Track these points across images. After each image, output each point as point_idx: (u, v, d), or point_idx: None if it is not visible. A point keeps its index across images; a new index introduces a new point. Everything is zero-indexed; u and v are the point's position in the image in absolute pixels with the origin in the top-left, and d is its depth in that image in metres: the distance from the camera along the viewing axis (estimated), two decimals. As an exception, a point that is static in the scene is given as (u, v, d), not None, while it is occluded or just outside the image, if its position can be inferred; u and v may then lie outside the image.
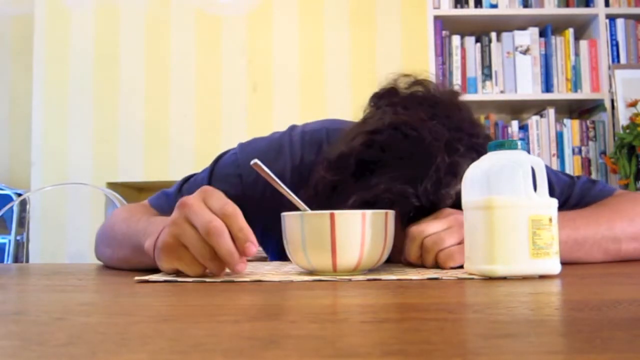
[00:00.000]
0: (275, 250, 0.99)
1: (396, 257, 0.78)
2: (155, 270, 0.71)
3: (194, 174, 0.99)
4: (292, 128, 1.00)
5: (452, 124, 0.80)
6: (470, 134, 0.80)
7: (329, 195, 0.78)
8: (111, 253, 0.88)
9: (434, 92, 0.86)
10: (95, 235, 0.97)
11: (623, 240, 0.81)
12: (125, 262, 0.84)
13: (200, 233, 0.62)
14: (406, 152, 0.76)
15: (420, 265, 0.75)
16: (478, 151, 0.79)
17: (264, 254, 1.06)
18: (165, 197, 0.97)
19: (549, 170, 0.91)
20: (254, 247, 0.63)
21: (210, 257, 0.63)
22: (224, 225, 0.62)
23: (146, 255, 0.73)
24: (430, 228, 0.73)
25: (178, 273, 0.67)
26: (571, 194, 0.94)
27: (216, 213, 0.63)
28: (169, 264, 0.66)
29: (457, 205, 0.76)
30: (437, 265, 0.72)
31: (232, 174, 0.95)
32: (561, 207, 0.83)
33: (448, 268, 0.70)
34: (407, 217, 0.74)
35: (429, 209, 0.76)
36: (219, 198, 0.65)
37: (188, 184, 0.97)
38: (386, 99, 0.86)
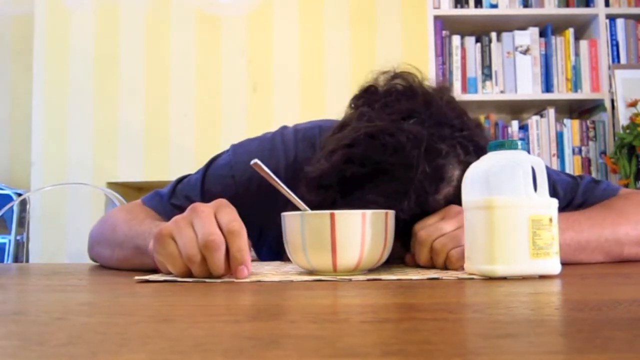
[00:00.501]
0: (271, 250, 0.99)
1: (394, 261, 0.78)
2: (155, 270, 0.71)
3: (188, 175, 0.99)
4: (284, 127, 1.00)
5: (433, 117, 0.77)
6: (453, 125, 0.78)
7: None
8: (110, 253, 0.88)
9: (414, 84, 0.83)
10: (89, 235, 0.96)
11: (626, 244, 0.81)
12: (125, 262, 0.84)
13: (199, 241, 0.62)
14: (386, 164, 0.73)
15: (425, 266, 0.74)
16: (464, 146, 0.77)
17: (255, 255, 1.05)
18: (159, 198, 0.97)
19: (552, 172, 0.90)
20: (247, 271, 0.63)
21: (194, 262, 0.63)
22: (223, 242, 0.62)
23: (148, 256, 0.73)
24: (439, 230, 0.72)
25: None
26: (575, 195, 0.93)
27: (222, 226, 0.63)
28: (157, 254, 0.66)
29: (453, 201, 0.75)
30: (446, 266, 0.71)
31: (225, 175, 0.95)
32: (565, 209, 0.83)
33: (459, 266, 0.69)
34: (399, 227, 0.72)
35: (419, 216, 0.75)
36: (229, 213, 0.65)
37: (182, 185, 0.97)
38: (364, 98, 0.84)
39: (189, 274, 0.65)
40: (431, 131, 0.75)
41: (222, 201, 0.68)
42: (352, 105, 0.86)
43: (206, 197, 0.92)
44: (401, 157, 0.73)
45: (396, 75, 0.84)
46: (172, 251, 0.64)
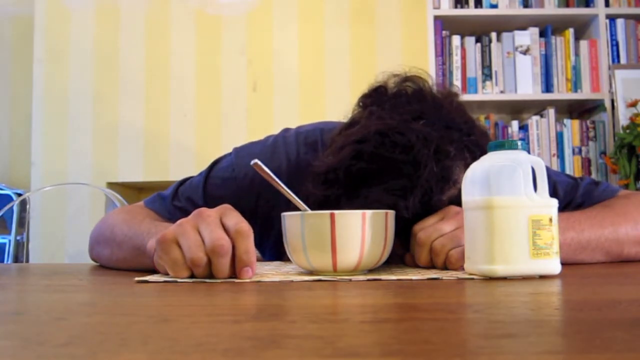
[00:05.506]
0: (272, 252, 0.99)
1: (394, 260, 0.78)
2: (154, 270, 0.71)
3: (190, 177, 0.99)
4: (286, 130, 1.01)
5: (442, 120, 0.78)
6: (461, 129, 0.78)
7: (319, 209, 0.76)
8: (110, 254, 0.88)
9: (424, 87, 0.83)
10: (90, 236, 0.96)
11: (626, 244, 0.81)
12: (124, 262, 0.84)
13: (206, 245, 0.62)
14: (395, 162, 0.73)
15: (425, 266, 0.74)
16: (471, 150, 0.78)
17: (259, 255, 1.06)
18: (161, 200, 0.97)
19: (552, 172, 0.91)
20: (251, 272, 0.63)
21: (198, 265, 0.63)
22: (230, 247, 0.62)
23: (147, 256, 0.73)
24: (438, 231, 0.72)
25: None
26: (575, 196, 0.93)
27: (229, 228, 0.63)
28: (159, 258, 0.66)
29: (456, 203, 0.75)
30: (446, 267, 0.71)
31: (227, 178, 0.95)
32: (564, 209, 0.83)
33: (459, 266, 0.69)
34: (399, 226, 0.72)
35: (421, 216, 0.75)
36: (236, 216, 0.65)
37: (184, 187, 0.97)
38: (374, 97, 0.84)
39: (190, 275, 0.65)
40: (440, 133, 0.75)
41: (227, 206, 0.67)
42: (361, 104, 0.86)
43: (208, 199, 0.93)
44: (410, 155, 0.73)
45: (407, 79, 0.85)
46: (175, 257, 0.64)
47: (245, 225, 0.64)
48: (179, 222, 0.66)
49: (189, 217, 0.66)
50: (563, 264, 0.64)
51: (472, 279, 0.63)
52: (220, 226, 0.64)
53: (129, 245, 0.82)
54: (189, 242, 0.63)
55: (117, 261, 0.85)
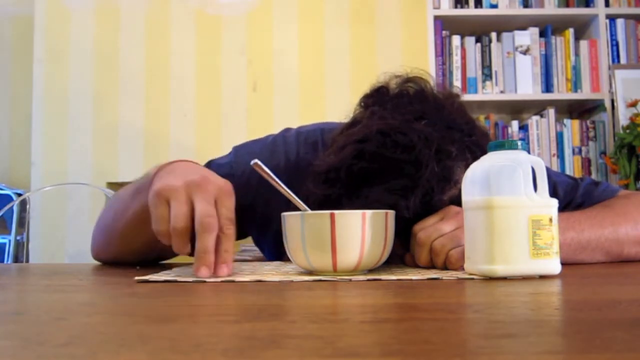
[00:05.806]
0: (272, 250, 0.99)
1: (394, 260, 0.78)
2: (155, 270, 0.71)
3: None
4: (287, 130, 1.01)
5: (444, 121, 0.78)
6: (462, 130, 0.79)
7: (319, 208, 0.74)
8: (112, 220, 0.88)
9: (426, 88, 0.84)
10: (92, 235, 0.96)
11: (626, 244, 0.81)
12: (125, 211, 0.83)
13: (196, 218, 0.64)
14: (396, 162, 0.73)
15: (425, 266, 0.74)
16: (472, 150, 0.78)
17: (261, 254, 1.06)
18: None
19: (552, 173, 0.91)
20: (227, 270, 0.65)
21: (179, 234, 0.64)
22: (217, 226, 0.64)
23: (145, 192, 0.73)
24: (438, 231, 0.72)
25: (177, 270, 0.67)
26: (575, 196, 0.94)
27: (219, 222, 0.65)
28: (150, 206, 0.68)
29: (457, 203, 0.75)
30: (446, 267, 0.71)
31: (225, 175, 0.95)
32: (564, 209, 0.84)
33: (459, 266, 0.69)
34: (400, 226, 0.72)
35: (421, 216, 0.75)
36: (228, 213, 0.66)
37: None
38: (375, 98, 0.85)
39: (169, 236, 0.66)
40: (442, 133, 0.76)
41: (226, 189, 0.68)
42: (362, 104, 0.86)
43: None
44: (412, 155, 0.73)
45: (408, 79, 0.85)
46: (162, 214, 0.66)
47: (231, 231, 0.66)
48: (178, 184, 0.66)
49: (189, 177, 0.67)
50: (563, 264, 0.64)
51: (472, 279, 0.63)
52: (212, 203, 0.65)
53: (128, 193, 0.83)
54: (176, 211, 0.65)
55: (123, 215, 0.84)
